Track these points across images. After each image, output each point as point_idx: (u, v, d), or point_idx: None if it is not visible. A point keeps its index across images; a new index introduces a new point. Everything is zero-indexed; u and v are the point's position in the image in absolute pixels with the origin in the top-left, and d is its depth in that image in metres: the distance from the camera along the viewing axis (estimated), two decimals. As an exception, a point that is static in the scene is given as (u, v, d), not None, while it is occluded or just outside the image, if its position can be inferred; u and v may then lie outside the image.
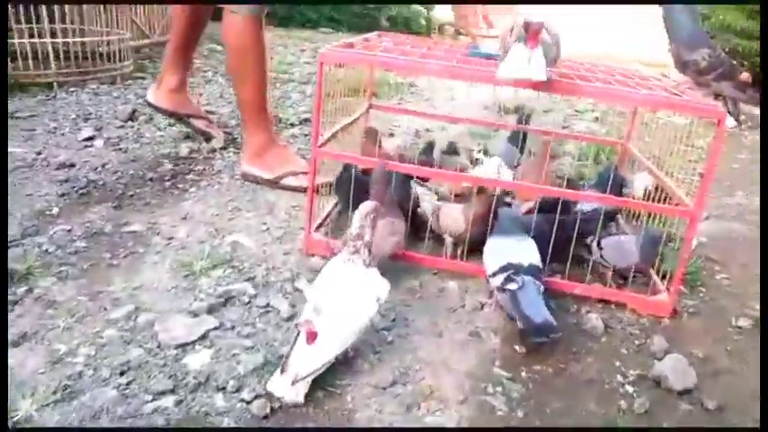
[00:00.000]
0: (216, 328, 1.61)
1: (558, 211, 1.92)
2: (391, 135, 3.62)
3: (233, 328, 1.63)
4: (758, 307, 2.03)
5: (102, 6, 4.66)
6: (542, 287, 1.71)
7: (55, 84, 3.96)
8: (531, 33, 1.57)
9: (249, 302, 1.75)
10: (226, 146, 3.08)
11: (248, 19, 2.44)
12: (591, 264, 2.05)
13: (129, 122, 3.37)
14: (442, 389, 1.49)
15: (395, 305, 1.80)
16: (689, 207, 1.86)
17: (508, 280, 1.70)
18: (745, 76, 2.43)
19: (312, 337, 1.36)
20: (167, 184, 2.56)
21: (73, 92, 3.91)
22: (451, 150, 2.79)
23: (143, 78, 4.50)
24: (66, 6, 4.48)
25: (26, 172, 2.55)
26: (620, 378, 1.62)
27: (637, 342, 1.78)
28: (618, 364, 1.67)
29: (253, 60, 2.53)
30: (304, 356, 1.35)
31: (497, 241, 1.88)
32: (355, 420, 1.35)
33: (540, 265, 1.79)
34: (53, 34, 4.17)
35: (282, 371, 1.34)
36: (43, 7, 4.14)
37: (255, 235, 2.17)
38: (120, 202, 2.33)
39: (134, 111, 3.48)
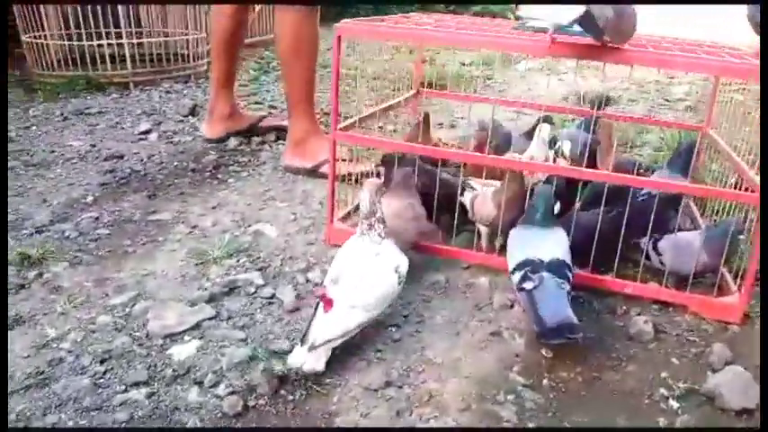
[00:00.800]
0: (211, 318, 1.52)
1: (604, 202, 1.68)
2: (452, 126, 3.44)
3: (229, 318, 1.53)
4: None
5: (184, 7, 4.77)
6: (568, 284, 1.48)
7: (131, 83, 4.10)
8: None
9: (254, 293, 1.64)
10: (276, 138, 3.02)
11: (305, 11, 2.42)
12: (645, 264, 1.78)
13: (190, 117, 3.40)
14: (443, 394, 1.31)
15: (412, 300, 1.64)
16: (755, 194, 1.57)
17: (524, 278, 1.49)
18: None
19: (328, 303, 1.34)
20: (207, 174, 2.52)
21: (147, 90, 4.02)
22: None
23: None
24: (148, 8, 4.63)
25: (76, 163, 2.60)
26: (664, 391, 1.36)
27: (693, 350, 1.51)
28: (665, 375, 1.42)
29: (306, 50, 2.48)
30: (322, 325, 1.32)
31: (521, 232, 1.66)
32: (334, 425, 1.20)
33: (567, 259, 1.54)
34: (135, 36, 4.31)
35: (303, 342, 1.31)
36: (121, 10, 4.29)
37: (282, 224, 2.07)
38: (156, 192, 2.32)
39: (195, 106, 3.52)
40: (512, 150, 2.23)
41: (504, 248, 1.82)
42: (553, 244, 1.57)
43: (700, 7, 7.96)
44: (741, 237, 1.64)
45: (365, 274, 1.41)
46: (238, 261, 1.81)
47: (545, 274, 1.48)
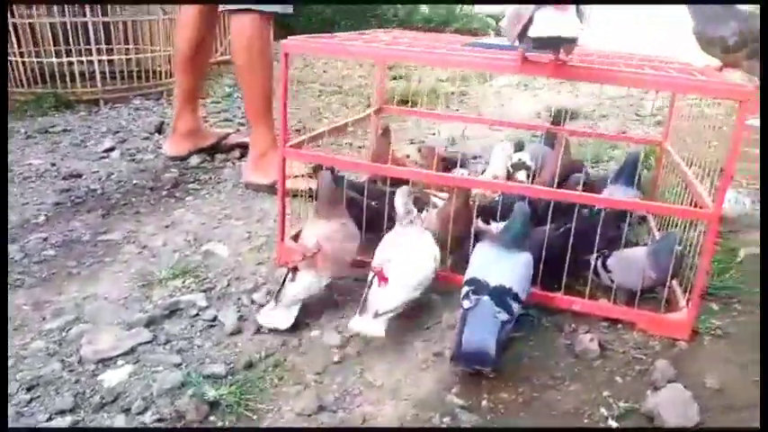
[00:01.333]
0: (147, 342, 1.49)
1: (550, 217, 1.67)
2: (422, 142, 3.43)
3: (167, 342, 1.50)
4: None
5: (156, 22, 4.75)
6: (505, 314, 1.43)
7: (101, 100, 4.06)
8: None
9: (196, 315, 1.61)
10: (241, 155, 3.00)
11: (257, 19, 2.39)
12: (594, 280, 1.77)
13: (156, 134, 3.38)
14: (378, 418, 1.28)
15: (358, 320, 1.61)
16: (707, 209, 1.56)
17: (465, 296, 1.47)
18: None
19: (383, 279, 1.51)
20: (164, 192, 2.49)
21: (117, 107, 3.99)
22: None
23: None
24: (119, 24, 4.61)
25: (33, 182, 2.57)
26: (604, 411, 1.34)
27: (638, 368, 1.49)
28: (607, 394, 1.40)
29: (261, 64, 2.45)
30: (381, 296, 1.49)
31: (484, 250, 1.63)
32: (260, 452, 1.18)
33: (518, 287, 1.48)
34: (105, 52, 4.27)
35: (362, 311, 1.48)
36: (91, 27, 4.27)
37: (234, 243, 2.05)
38: (110, 211, 2.28)
39: (162, 123, 3.50)
40: (471, 168, 2.24)
41: (455, 266, 1.81)
42: (508, 269, 1.52)
43: (650, 26, 8.06)
44: (679, 249, 1.62)
45: (413, 258, 1.58)
46: (184, 282, 1.78)
47: (485, 298, 1.45)
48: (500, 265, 1.55)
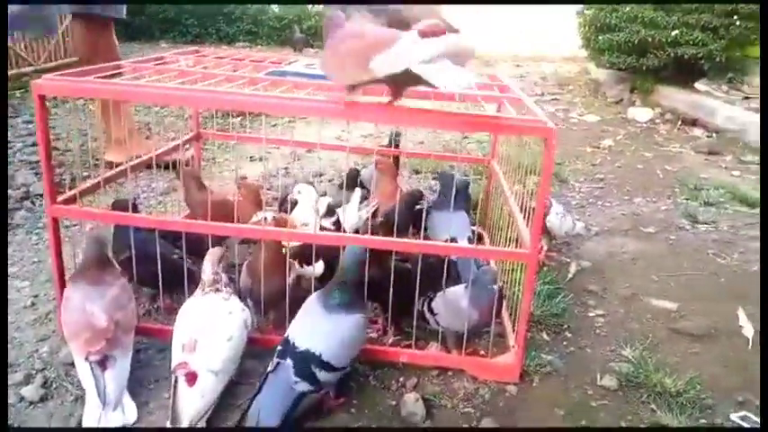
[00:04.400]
0: None
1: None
2: (261, 159, 3.20)
3: None
4: (628, 355, 1.67)
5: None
6: (305, 385, 1.29)
7: None
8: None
9: (-60, 427, 1.30)
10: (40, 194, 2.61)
11: (94, 23, 2.51)
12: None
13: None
14: None
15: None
16: (525, 249, 1.48)
17: (276, 354, 1.33)
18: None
19: (192, 378, 1.28)
20: (-66, 249, 2.09)
21: None
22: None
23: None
24: None
25: None
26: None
27: (465, 425, 1.39)
28: (432, 466, 1.28)
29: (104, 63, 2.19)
30: (193, 401, 1.27)
31: (307, 305, 1.43)
32: None
33: (329, 355, 1.31)
34: None
35: (173, 421, 1.25)
36: None
37: (14, 313, 1.73)
38: None
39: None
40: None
41: (277, 324, 1.62)
42: (323, 332, 1.34)
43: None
44: (498, 286, 1.53)
45: (223, 334, 1.36)
46: (-66, 378, 1.45)
47: (287, 362, 1.29)
48: (316, 326, 1.37)
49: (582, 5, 5.57)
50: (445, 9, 1.50)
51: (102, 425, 1.28)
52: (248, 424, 1.25)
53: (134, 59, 1.83)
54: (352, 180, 2.28)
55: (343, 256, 1.43)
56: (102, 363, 1.33)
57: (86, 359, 1.33)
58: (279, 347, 1.35)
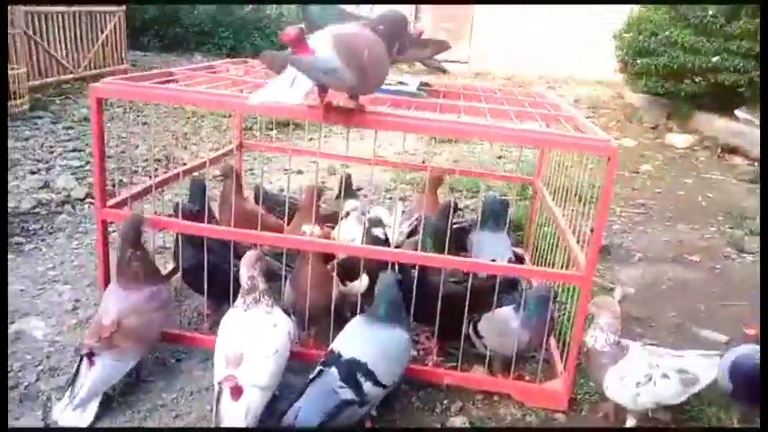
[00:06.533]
0: None
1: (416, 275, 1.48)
2: (300, 173, 3.20)
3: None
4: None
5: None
6: (349, 393, 1.27)
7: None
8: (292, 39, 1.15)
9: (-16, 429, 1.29)
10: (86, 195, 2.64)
11: None
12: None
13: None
14: None
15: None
16: (579, 271, 1.44)
17: (318, 364, 1.32)
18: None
19: (238, 393, 1.24)
20: (-22, 250, 2.10)
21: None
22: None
23: (39, 117, 4.05)
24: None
25: None
26: None
27: (513, 455, 1.35)
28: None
29: None
30: (240, 415, 1.24)
31: (353, 323, 1.41)
32: None
33: (375, 365, 1.30)
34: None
35: None
36: None
37: (56, 318, 1.72)
38: None
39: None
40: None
41: (319, 338, 1.60)
42: (369, 343, 1.33)
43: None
44: (554, 305, 1.49)
45: (269, 348, 1.33)
46: (-22, 380, 1.44)
47: (331, 369, 1.28)
48: (362, 338, 1.36)
49: (620, 29, 5.52)
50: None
51: (56, 419, 1.31)
52: (284, 424, 1.22)
53: (185, 67, 1.83)
54: (348, 188, 2.27)
55: (378, 284, 1.41)
56: (89, 358, 1.33)
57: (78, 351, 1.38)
58: (322, 359, 1.34)
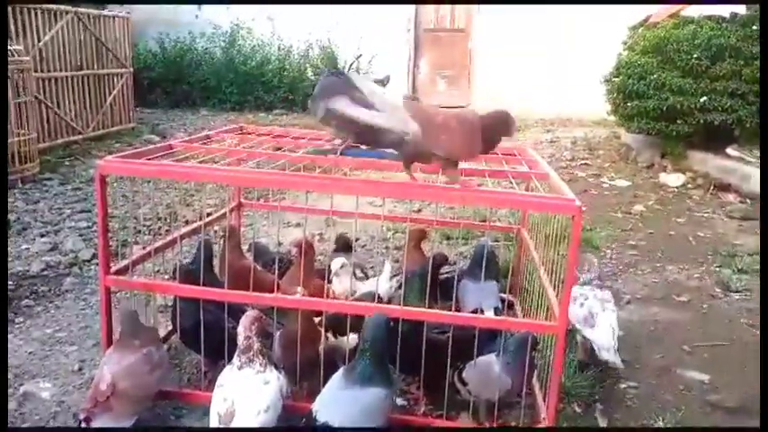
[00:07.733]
0: None
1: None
2: (298, 225, 3.31)
3: None
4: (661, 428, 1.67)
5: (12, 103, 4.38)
6: None
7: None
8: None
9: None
10: (92, 256, 2.75)
11: None
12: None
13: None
14: None
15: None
16: (553, 323, 1.52)
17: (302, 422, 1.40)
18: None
19: None
20: (-11, 314, 2.21)
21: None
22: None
23: (48, 180, 4.21)
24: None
25: None
26: None
27: (497, 501, 1.41)
28: None
29: None
30: None
31: (334, 380, 1.47)
32: None
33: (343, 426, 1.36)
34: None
35: None
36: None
37: (63, 378, 1.81)
38: None
39: (7, 221, 3.17)
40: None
41: (311, 394, 1.67)
42: (343, 405, 1.39)
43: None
44: (535, 352, 1.56)
45: (261, 405, 1.40)
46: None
47: None
48: (336, 400, 1.42)
49: (609, 72, 5.67)
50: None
51: None
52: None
53: (181, 140, 1.95)
54: (343, 245, 2.36)
55: (365, 325, 1.48)
56: (87, 422, 1.42)
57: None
58: (303, 420, 1.41)
